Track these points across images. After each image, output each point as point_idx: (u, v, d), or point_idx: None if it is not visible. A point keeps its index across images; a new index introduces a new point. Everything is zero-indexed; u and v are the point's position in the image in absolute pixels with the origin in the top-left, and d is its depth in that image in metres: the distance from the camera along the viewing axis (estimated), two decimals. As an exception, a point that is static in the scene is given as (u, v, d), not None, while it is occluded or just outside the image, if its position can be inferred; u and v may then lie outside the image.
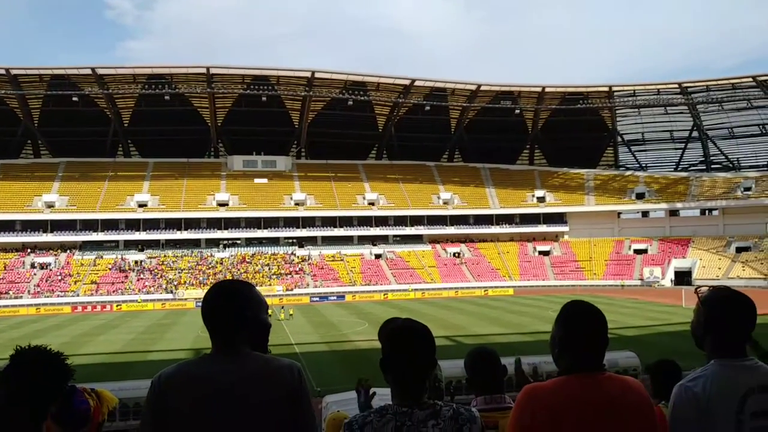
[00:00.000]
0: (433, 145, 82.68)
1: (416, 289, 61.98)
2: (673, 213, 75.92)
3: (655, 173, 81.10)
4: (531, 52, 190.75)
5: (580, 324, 2.10)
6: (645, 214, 77.98)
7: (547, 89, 76.51)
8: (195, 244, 69.76)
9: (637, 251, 71.85)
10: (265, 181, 75.29)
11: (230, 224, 70.72)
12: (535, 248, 74.08)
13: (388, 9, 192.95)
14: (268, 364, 1.99)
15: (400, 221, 74.36)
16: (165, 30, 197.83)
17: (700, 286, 2.36)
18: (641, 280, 66.19)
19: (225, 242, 70.54)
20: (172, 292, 59.58)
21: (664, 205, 75.02)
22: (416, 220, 74.39)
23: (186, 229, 69.38)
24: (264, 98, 71.80)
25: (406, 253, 70.93)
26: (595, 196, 77.61)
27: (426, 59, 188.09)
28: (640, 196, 76.21)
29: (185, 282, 61.34)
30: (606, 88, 76.93)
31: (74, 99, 67.87)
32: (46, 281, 60.10)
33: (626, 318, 36.10)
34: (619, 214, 77.28)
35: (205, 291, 2.22)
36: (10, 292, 57.65)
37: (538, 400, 2.01)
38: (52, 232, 66.13)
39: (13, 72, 65.16)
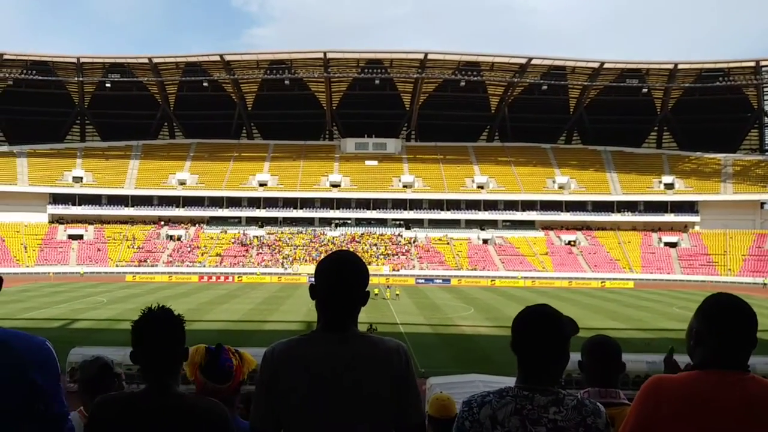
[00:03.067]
0: (549, 127, 78.88)
1: (526, 277, 59.97)
2: (833, 204, 66.44)
3: (810, 159, 71.33)
4: (658, 26, 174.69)
5: (721, 316, 1.89)
6: (795, 205, 69.05)
7: (679, 66, 69.90)
8: (309, 222, 72.92)
9: (784, 246, 63.91)
10: (375, 163, 76.55)
11: (342, 204, 72.95)
12: (660, 239, 68.64)
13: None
14: (377, 347, 2.02)
15: (511, 206, 72.09)
16: (285, 15, 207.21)
17: None
18: (787, 278, 58.78)
19: (336, 222, 72.95)
20: (286, 267, 62.84)
21: (820, 195, 65.86)
22: (528, 205, 71.72)
23: (301, 208, 72.69)
24: (377, 81, 72.66)
25: (516, 239, 68.76)
26: (733, 184, 70.02)
27: (542, 36, 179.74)
28: (790, 185, 67.48)
29: (299, 258, 64.36)
30: (752, 63, 68.62)
31: (204, 84, 73.31)
32: (178, 252, 66.02)
33: (768, 320, 32.28)
34: (762, 204, 69.30)
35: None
36: (148, 261, 64.11)
37: (665, 392, 1.83)
38: (183, 207, 72.42)
39: (155, 61, 71.71)
